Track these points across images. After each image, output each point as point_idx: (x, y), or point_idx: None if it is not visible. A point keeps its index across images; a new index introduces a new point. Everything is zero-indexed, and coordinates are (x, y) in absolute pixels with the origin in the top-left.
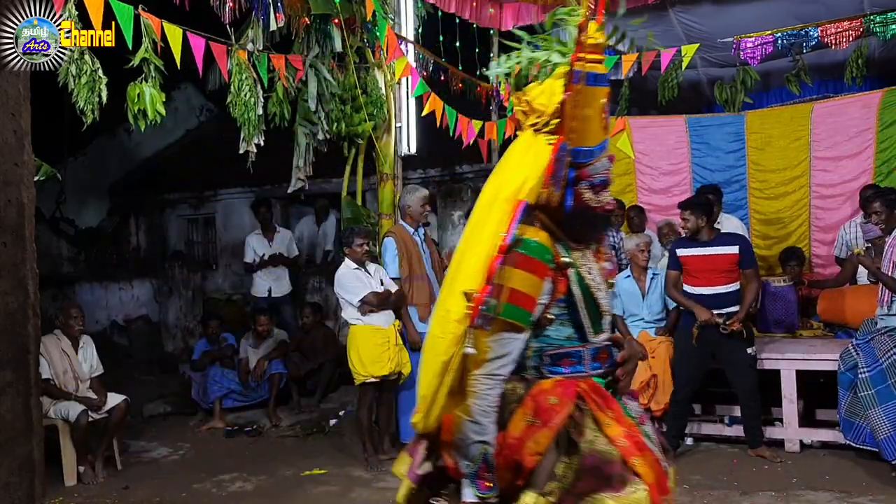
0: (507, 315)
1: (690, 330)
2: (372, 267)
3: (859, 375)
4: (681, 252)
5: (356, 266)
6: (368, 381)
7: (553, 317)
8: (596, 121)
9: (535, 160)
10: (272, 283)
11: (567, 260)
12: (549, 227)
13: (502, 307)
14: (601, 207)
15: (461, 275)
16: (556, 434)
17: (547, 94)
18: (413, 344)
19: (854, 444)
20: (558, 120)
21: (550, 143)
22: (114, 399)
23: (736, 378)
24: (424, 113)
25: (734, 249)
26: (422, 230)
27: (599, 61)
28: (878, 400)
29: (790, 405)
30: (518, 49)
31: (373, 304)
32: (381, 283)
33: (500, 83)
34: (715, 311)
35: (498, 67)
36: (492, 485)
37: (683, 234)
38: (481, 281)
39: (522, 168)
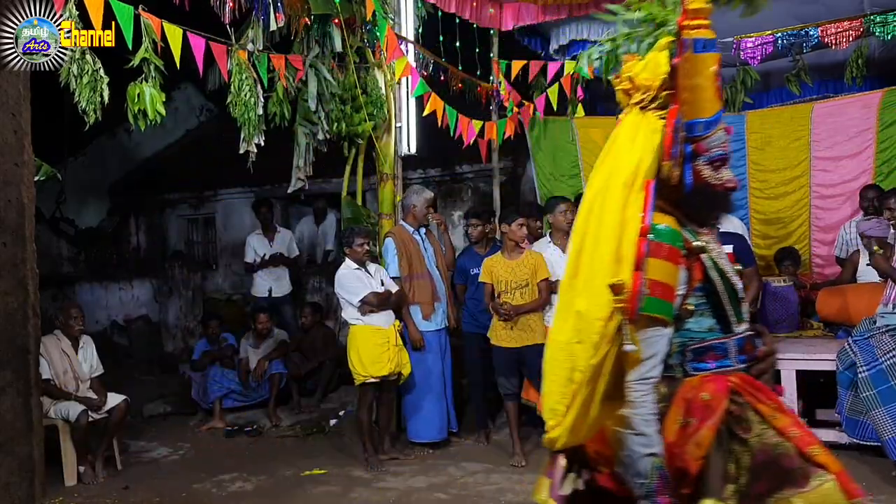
0: (650, 309)
1: None
2: (372, 267)
3: (859, 374)
4: None
5: (356, 266)
6: (368, 381)
7: (693, 307)
8: (709, 90)
9: (646, 139)
10: (273, 284)
11: (699, 244)
12: (669, 211)
13: (644, 301)
14: (722, 185)
15: (586, 271)
16: (718, 432)
17: (651, 67)
18: (414, 342)
19: (860, 442)
20: (666, 93)
21: (662, 118)
22: (114, 399)
23: None
24: (425, 113)
25: (728, 249)
26: (423, 229)
27: (705, 26)
28: (881, 401)
29: (790, 405)
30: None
31: (373, 304)
32: (382, 284)
33: (500, 83)
34: None
35: (597, 51)
36: (673, 500)
37: None
38: (625, 270)
39: (634, 149)
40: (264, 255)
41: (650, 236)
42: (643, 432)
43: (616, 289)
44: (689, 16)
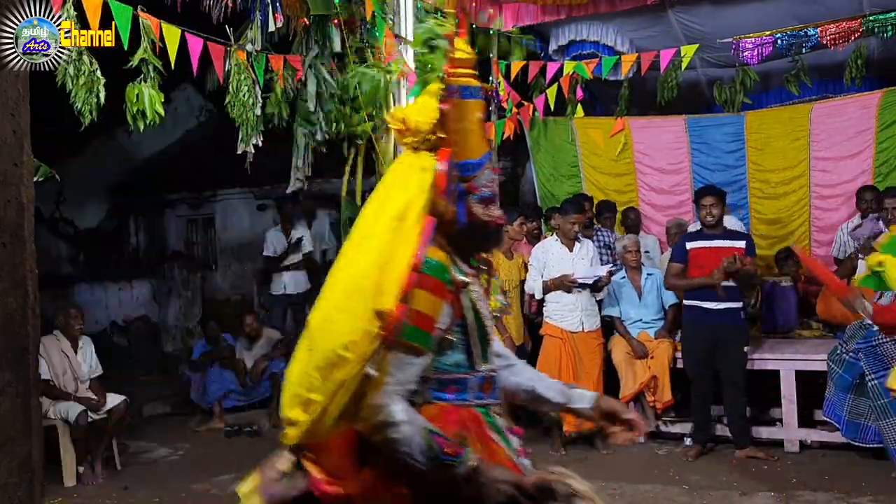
0: (409, 337)
1: (696, 327)
2: None
3: (868, 383)
4: (691, 245)
5: None
6: None
7: (454, 340)
8: (476, 133)
9: (419, 178)
10: (290, 282)
11: (464, 279)
12: (442, 246)
13: (405, 328)
14: (493, 221)
15: (343, 292)
16: None
17: (422, 110)
18: None
19: (863, 445)
20: (435, 136)
21: (435, 159)
22: (113, 399)
23: (727, 376)
24: None
25: (741, 244)
26: None
27: (471, 75)
28: (894, 410)
29: (790, 405)
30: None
31: None
32: None
33: (499, 83)
34: (716, 305)
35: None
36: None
37: (705, 223)
38: (388, 299)
39: (408, 187)
40: (286, 246)
41: (421, 268)
42: (401, 432)
43: (380, 316)
44: (454, 64)
